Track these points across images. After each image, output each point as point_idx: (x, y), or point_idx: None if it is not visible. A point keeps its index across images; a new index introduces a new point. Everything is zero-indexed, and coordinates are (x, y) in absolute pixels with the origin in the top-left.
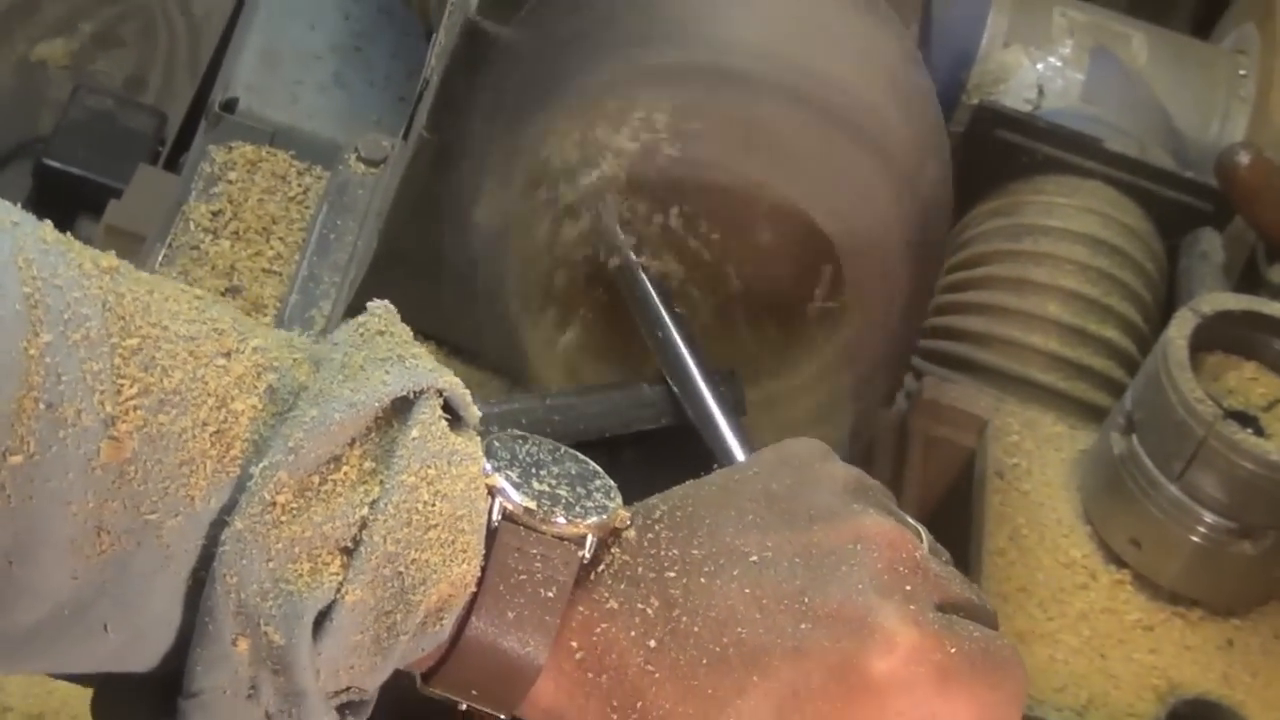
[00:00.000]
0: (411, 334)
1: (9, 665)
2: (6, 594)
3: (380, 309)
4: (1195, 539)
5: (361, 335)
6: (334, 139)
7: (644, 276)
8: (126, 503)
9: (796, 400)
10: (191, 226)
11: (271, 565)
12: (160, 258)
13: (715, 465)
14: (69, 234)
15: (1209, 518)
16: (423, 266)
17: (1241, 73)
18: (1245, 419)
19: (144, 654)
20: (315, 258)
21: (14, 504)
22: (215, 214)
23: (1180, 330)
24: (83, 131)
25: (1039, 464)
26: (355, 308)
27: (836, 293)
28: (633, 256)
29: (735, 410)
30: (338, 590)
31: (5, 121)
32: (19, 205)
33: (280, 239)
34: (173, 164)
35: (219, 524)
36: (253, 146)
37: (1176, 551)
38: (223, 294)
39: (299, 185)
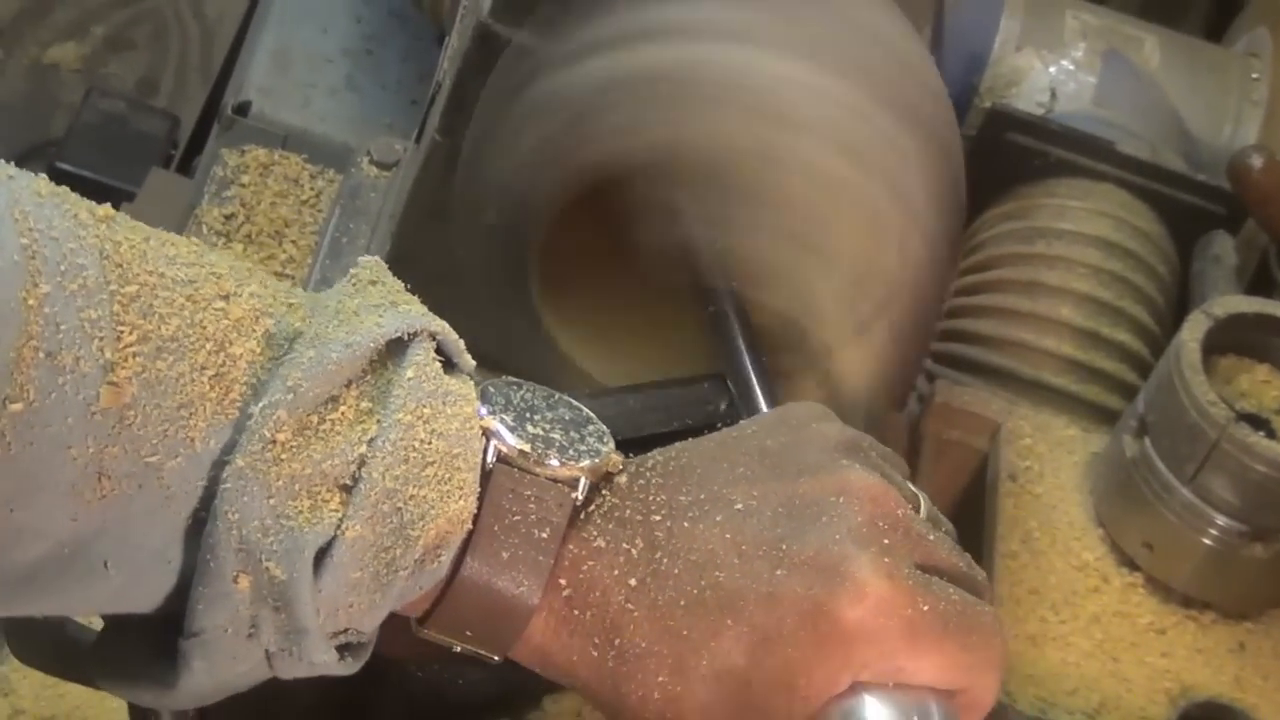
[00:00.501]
0: (401, 285)
1: (9, 605)
2: (6, 536)
3: (371, 261)
4: (1207, 542)
5: (354, 285)
6: (346, 142)
7: (718, 268)
8: (127, 447)
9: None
10: (204, 230)
11: (272, 501)
12: None
13: None
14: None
15: (1221, 520)
16: (435, 269)
17: (1254, 76)
18: (1257, 422)
19: (144, 594)
20: (328, 261)
21: (14, 451)
22: (228, 217)
23: (1193, 333)
24: (95, 135)
25: (1051, 467)
26: None
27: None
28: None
29: (724, 415)
30: (338, 526)
31: (18, 124)
32: None
33: (293, 242)
34: (185, 167)
35: (219, 464)
36: (265, 150)
37: (1188, 554)
38: None
39: (311, 188)
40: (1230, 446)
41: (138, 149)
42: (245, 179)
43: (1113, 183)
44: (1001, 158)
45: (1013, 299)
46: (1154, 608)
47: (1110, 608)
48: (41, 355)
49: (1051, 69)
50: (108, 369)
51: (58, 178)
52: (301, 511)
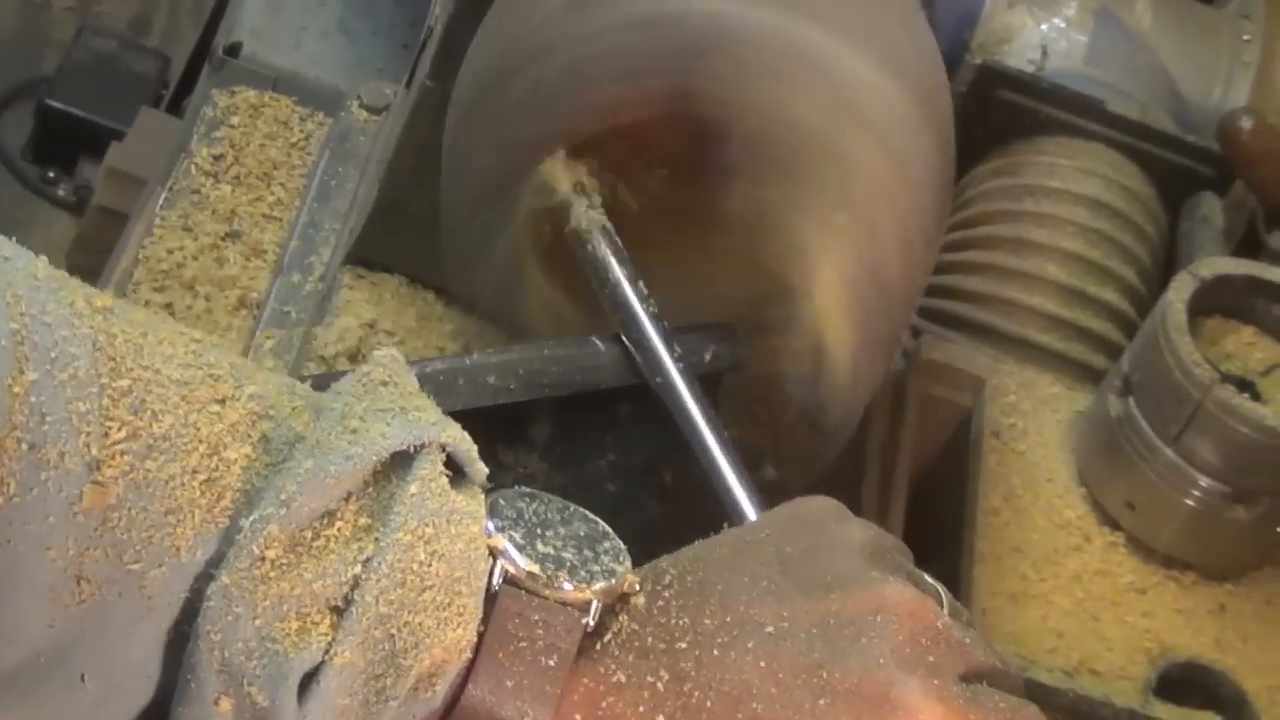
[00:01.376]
0: (417, 385)
1: None
2: None
3: (386, 358)
4: (1190, 503)
5: (364, 385)
6: (337, 86)
7: (598, 239)
8: (109, 551)
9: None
10: (193, 170)
11: (258, 623)
12: (161, 201)
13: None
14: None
15: (1204, 482)
16: (423, 215)
17: (1245, 38)
18: (1242, 384)
19: (121, 708)
20: (316, 204)
21: None
22: (217, 158)
23: (1179, 294)
24: (86, 73)
25: (1035, 424)
26: (355, 255)
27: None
28: (585, 222)
29: (709, 365)
30: (326, 651)
31: (9, 61)
32: (22, 145)
33: (281, 185)
34: (175, 107)
35: (205, 576)
36: (255, 92)
37: (1171, 515)
38: (223, 238)
39: (301, 131)
40: (1214, 408)
41: (128, 88)
42: (235, 120)
43: (1102, 142)
44: (991, 114)
45: (1000, 256)
46: (1135, 567)
47: (1091, 566)
48: (24, 447)
49: (1043, 27)
50: (93, 466)
51: (47, 115)
52: (289, 634)
